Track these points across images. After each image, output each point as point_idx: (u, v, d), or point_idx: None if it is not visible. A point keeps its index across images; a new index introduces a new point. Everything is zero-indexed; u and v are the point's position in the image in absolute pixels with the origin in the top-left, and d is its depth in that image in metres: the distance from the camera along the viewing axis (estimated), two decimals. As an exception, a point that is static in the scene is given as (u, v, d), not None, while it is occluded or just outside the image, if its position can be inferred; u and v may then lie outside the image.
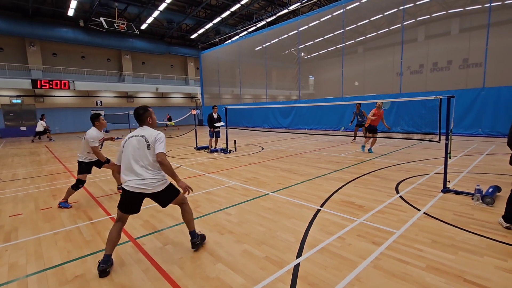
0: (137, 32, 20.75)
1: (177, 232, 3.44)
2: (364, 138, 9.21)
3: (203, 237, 3.09)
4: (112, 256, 2.66)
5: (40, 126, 17.14)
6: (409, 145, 9.76)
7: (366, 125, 8.56)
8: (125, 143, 2.79)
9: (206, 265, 2.67)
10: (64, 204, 4.55)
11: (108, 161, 4.93)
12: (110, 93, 27.45)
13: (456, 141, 10.31)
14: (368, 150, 8.64)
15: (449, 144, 4.46)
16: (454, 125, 10.91)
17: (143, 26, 25.44)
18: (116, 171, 4.52)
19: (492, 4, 11.23)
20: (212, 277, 2.48)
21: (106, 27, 18.62)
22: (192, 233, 2.97)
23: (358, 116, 10.59)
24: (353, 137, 11.41)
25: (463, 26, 16.24)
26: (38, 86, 22.17)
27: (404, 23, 14.19)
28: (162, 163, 2.67)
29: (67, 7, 20.13)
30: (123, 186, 2.67)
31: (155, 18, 23.99)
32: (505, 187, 4.44)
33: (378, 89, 16.83)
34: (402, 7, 14.18)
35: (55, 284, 2.46)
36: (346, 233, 3.23)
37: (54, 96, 24.33)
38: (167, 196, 2.82)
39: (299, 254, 2.80)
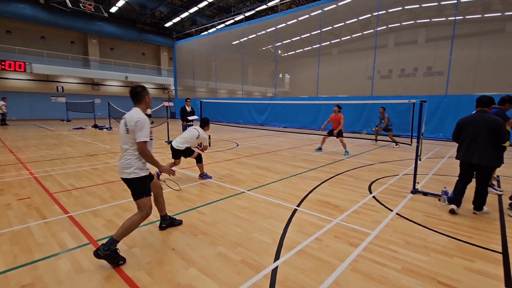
0: (105, 15, 19.34)
1: (145, 233, 3.17)
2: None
3: (112, 256, 2.48)
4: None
5: None
6: (378, 146, 10.16)
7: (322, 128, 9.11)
8: None
9: (177, 271, 2.45)
10: (206, 176, 5.53)
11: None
12: (73, 79, 25.38)
13: (422, 143, 10.92)
14: (344, 153, 8.44)
15: (420, 147, 4.62)
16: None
17: (113, 9, 23.81)
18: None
19: (457, 18, 12.02)
20: (184, 284, 2.28)
21: (71, 6, 17.11)
22: (110, 240, 2.50)
23: (383, 121, 10.51)
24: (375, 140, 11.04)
25: (429, 36, 17.23)
26: (-12, 66, 19.83)
27: (377, 29, 14.72)
28: (142, 154, 2.63)
29: (25, -20, 18.16)
30: None
31: (126, 2, 22.55)
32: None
33: (352, 91, 17.36)
34: (375, 13, 14.69)
35: (-5, 296, 2.10)
36: (323, 234, 3.19)
37: (7, 78, 21.93)
38: (130, 188, 2.71)
39: (276, 257, 2.68)
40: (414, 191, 4.71)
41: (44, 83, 23.72)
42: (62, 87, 24.54)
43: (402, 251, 2.83)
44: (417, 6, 15.10)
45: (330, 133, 8.64)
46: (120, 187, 4.84)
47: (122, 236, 2.56)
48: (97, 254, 2.45)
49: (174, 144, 5.21)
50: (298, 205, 4.09)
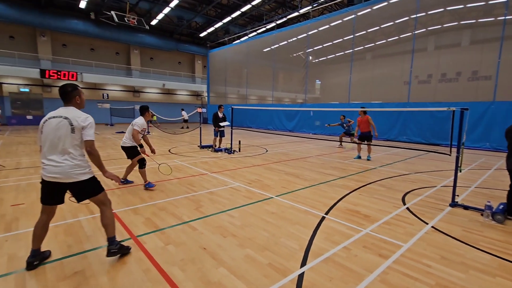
0: (147, 27, 20.82)
1: (179, 232, 3.38)
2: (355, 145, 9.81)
3: (123, 248, 2.76)
4: (42, 250, 2.69)
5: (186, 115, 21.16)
6: (414, 155, 9.64)
7: (356, 134, 9.29)
8: (44, 123, 2.55)
9: (208, 269, 2.60)
10: (149, 185, 5.16)
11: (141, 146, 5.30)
12: (117, 87, 27.58)
13: (463, 154, 10.16)
14: (367, 157, 8.69)
15: (460, 158, 4.36)
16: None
17: (153, 22, 25.54)
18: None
19: (507, 18, 11.08)
20: (214, 281, 2.42)
21: (117, 21, 18.70)
22: (110, 239, 2.69)
23: (345, 125, 11.56)
24: (339, 143, 12.04)
25: (474, 38, 16.00)
26: (47, 76, 22.34)
27: (415, 32, 14.06)
28: (91, 152, 2.58)
29: (79, -1, 20.28)
30: (41, 172, 2.54)
31: (165, 15, 24.08)
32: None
33: (386, 96, 16.67)
34: (414, 16, 14.06)
35: (53, 279, 2.41)
36: (352, 243, 3.15)
37: (62, 86, 24.46)
38: (85, 189, 2.61)
39: (303, 263, 2.72)
40: (453, 204, 4.43)
41: (92, 91, 26.06)
42: (107, 94, 26.73)
43: (437, 266, 2.70)
44: (461, 6, 14.16)
45: (362, 139, 8.58)
46: (157, 188, 5.19)
47: (112, 231, 2.71)
48: (111, 253, 2.65)
49: (121, 143, 5.31)
50: (326, 213, 4.07)
